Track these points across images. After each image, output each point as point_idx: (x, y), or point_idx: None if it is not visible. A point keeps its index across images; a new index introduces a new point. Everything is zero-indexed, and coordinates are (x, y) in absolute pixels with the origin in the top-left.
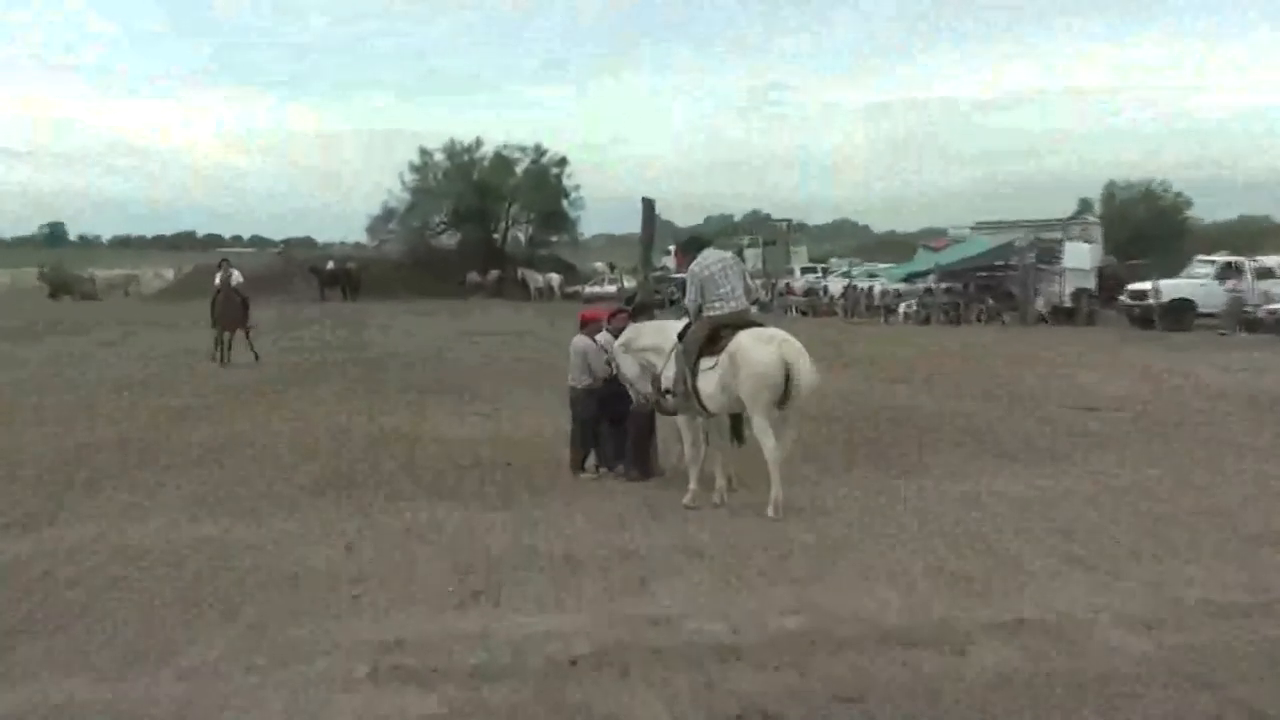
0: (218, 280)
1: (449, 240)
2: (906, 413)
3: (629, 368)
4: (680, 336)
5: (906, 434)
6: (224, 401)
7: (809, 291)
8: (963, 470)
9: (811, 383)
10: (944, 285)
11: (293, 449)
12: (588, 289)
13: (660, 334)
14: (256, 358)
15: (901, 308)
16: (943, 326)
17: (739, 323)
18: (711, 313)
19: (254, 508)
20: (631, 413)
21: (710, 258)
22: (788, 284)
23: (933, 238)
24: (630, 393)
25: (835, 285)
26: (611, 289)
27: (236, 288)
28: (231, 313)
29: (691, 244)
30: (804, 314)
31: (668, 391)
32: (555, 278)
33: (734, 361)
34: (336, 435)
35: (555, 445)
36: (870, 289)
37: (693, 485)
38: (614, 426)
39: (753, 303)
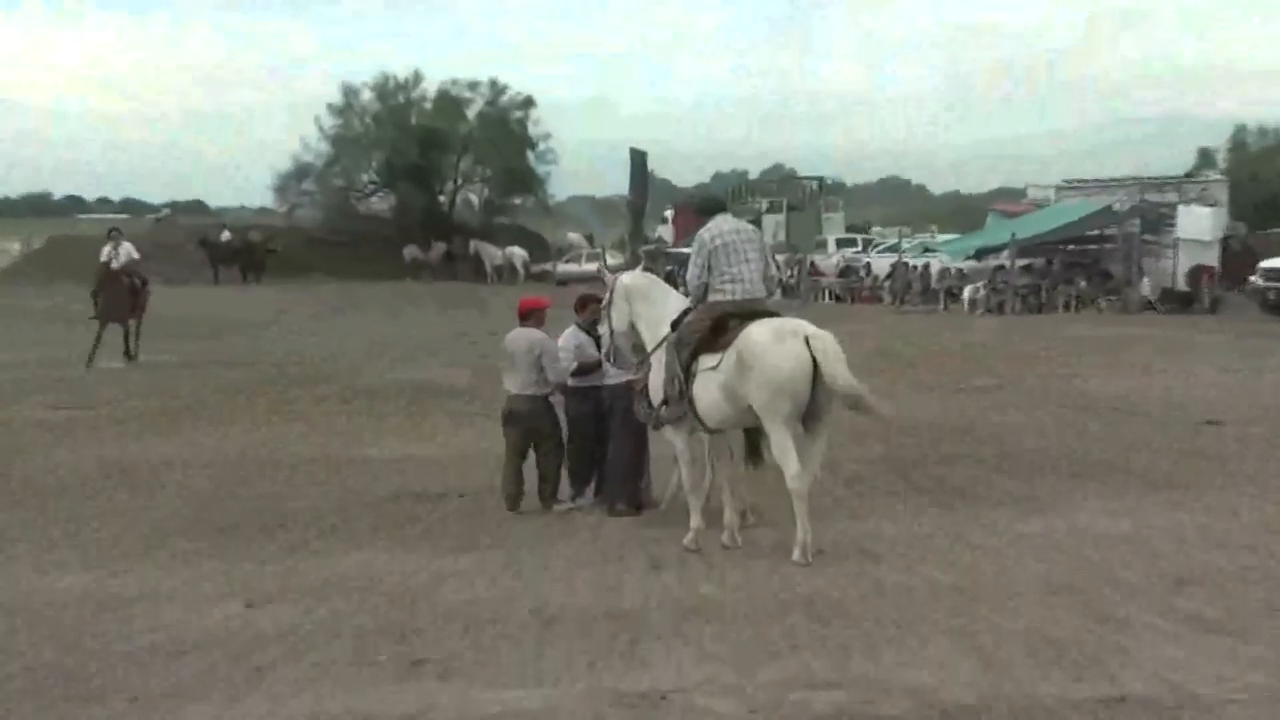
0: (104, 255)
1: (380, 205)
2: (973, 428)
3: (623, 346)
4: (674, 326)
5: (973, 455)
6: (92, 417)
7: (845, 271)
8: (1047, 502)
9: (849, 388)
10: (1022, 263)
11: (183, 478)
12: (561, 267)
13: (653, 301)
14: (132, 357)
15: (967, 292)
16: (1020, 316)
17: (750, 312)
18: (718, 296)
19: (130, 553)
20: (618, 425)
21: (724, 226)
22: (814, 261)
23: (1007, 201)
24: (610, 395)
25: (880, 263)
26: (591, 267)
27: (128, 267)
28: (118, 301)
29: (706, 205)
30: (839, 300)
31: (663, 401)
32: (518, 253)
33: (742, 361)
34: (241, 461)
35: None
36: (926, 268)
37: (695, 522)
38: (594, 444)
39: (772, 291)
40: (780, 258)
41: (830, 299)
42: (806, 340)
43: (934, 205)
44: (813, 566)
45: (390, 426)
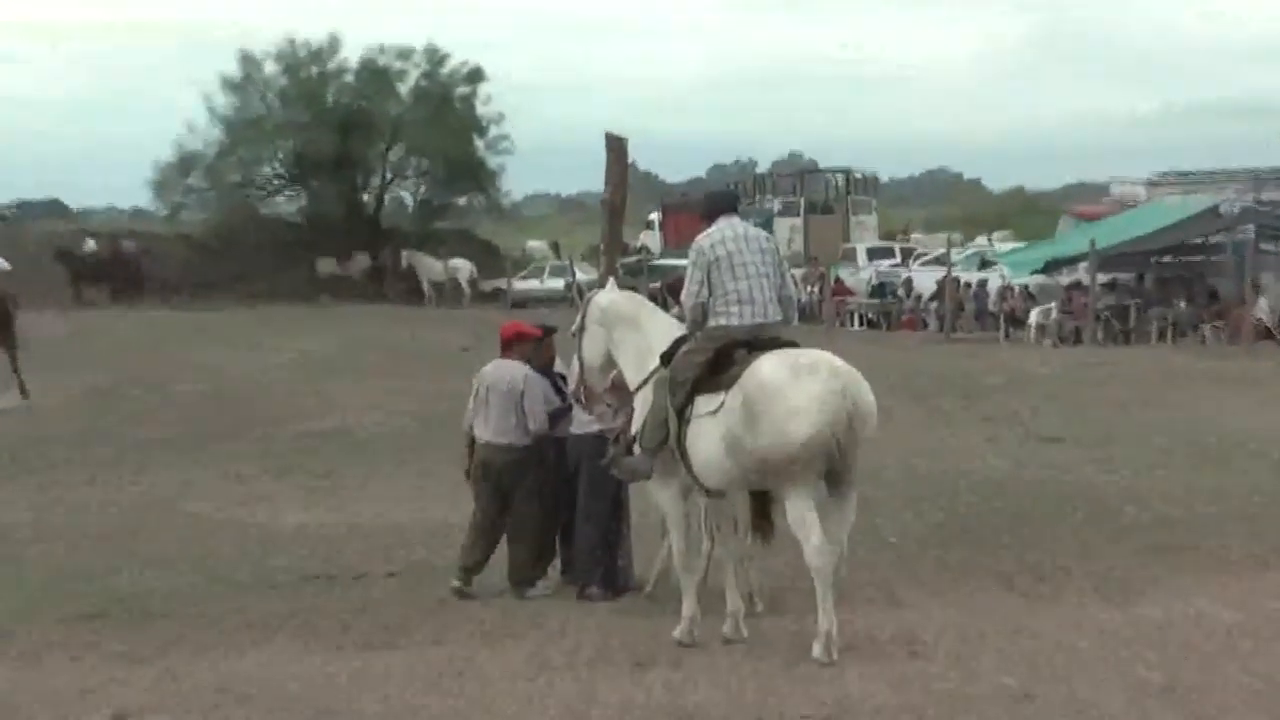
0: None
1: (288, 205)
2: (1048, 488)
3: (597, 385)
4: (664, 358)
5: (1049, 522)
6: None
7: (880, 289)
8: (1142, 584)
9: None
10: (1103, 279)
11: (44, 550)
12: (517, 284)
13: (638, 326)
14: (23, 394)
15: (1034, 316)
16: (1102, 348)
17: (761, 341)
18: (720, 321)
19: None
20: (587, 486)
21: (728, 232)
22: (839, 277)
23: (1085, 200)
24: (577, 449)
25: (924, 279)
26: (555, 284)
27: None
28: None
29: (711, 204)
30: (871, 325)
31: (631, 443)
32: (464, 267)
33: (749, 404)
34: (115, 527)
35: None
36: (982, 285)
37: (688, 610)
38: (559, 511)
39: (790, 316)
40: (797, 272)
41: (860, 324)
42: (832, 377)
43: (992, 205)
44: (839, 666)
45: (300, 487)
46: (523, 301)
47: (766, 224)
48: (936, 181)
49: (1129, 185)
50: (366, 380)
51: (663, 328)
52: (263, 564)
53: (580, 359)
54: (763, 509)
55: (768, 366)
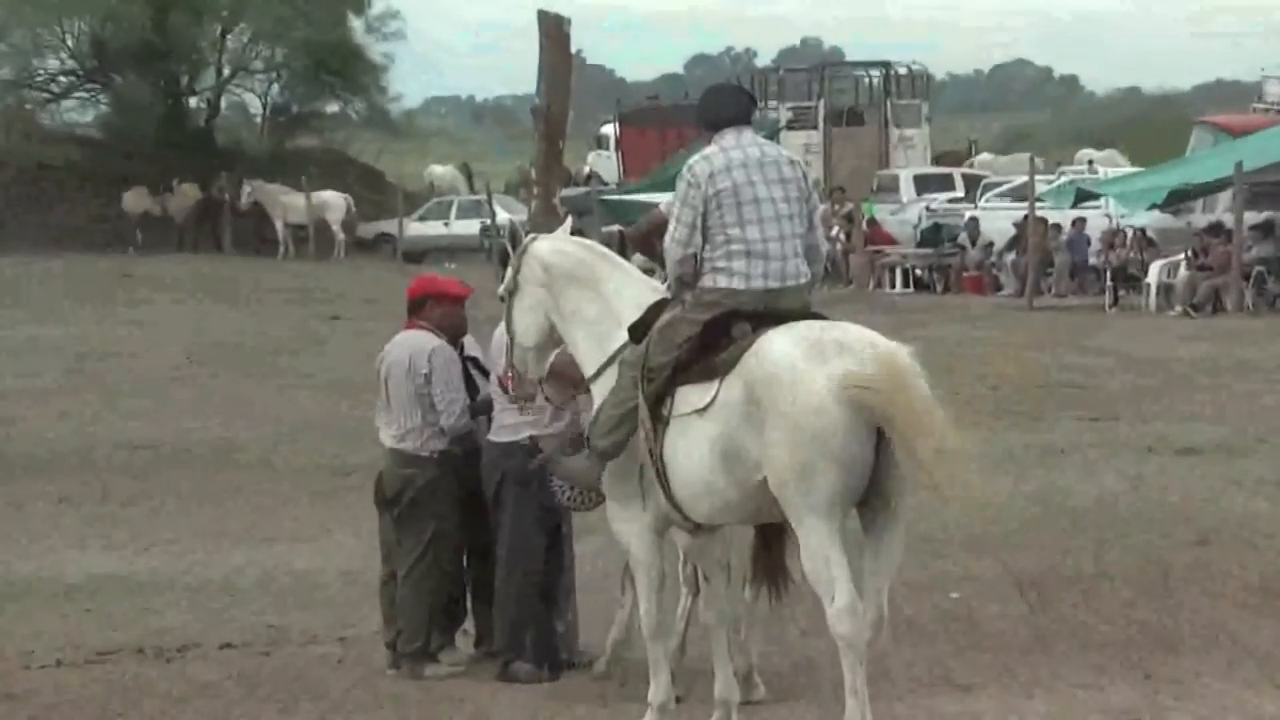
0: None
1: (82, 113)
2: (1184, 520)
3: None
4: (635, 332)
5: (1191, 569)
6: None
7: (933, 234)
8: None
9: (944, 446)
10: (1255, 219)
11: None
12: (413, 228)
13: (595, 286)
14: None
15: (1154, 272)
16: (1256, 317)
17: (774, 313)
18: (719, 281)
19: None
20: (512, 520)
21: (736, 155)
22: (874, 218)
23: (1227, 106)
24: (497, 464)
25: (996, 220)
26: (467, 228)
27: None
28: None
29: (715, 106)
30: (920, 286)
31: (595, 449)
32: (335, 203)
33: (753, 400)
34: None
35: (334, 603)
36: (1079, 227)
37: (658, 694)
38: (475, 558)
39: (817, 275)
40: (823, 208)
41: (905, 285)
42: (874, 361)
43: (1094, 114)
44: None
45: (126, 523)
46: (420, 252)
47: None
48: (1014, 80)
49: None
50: (208, 362)
51: (633, 290)
52: (74, 633)
53: (510, 333)
54: (772, 549)
55: (780, 345)
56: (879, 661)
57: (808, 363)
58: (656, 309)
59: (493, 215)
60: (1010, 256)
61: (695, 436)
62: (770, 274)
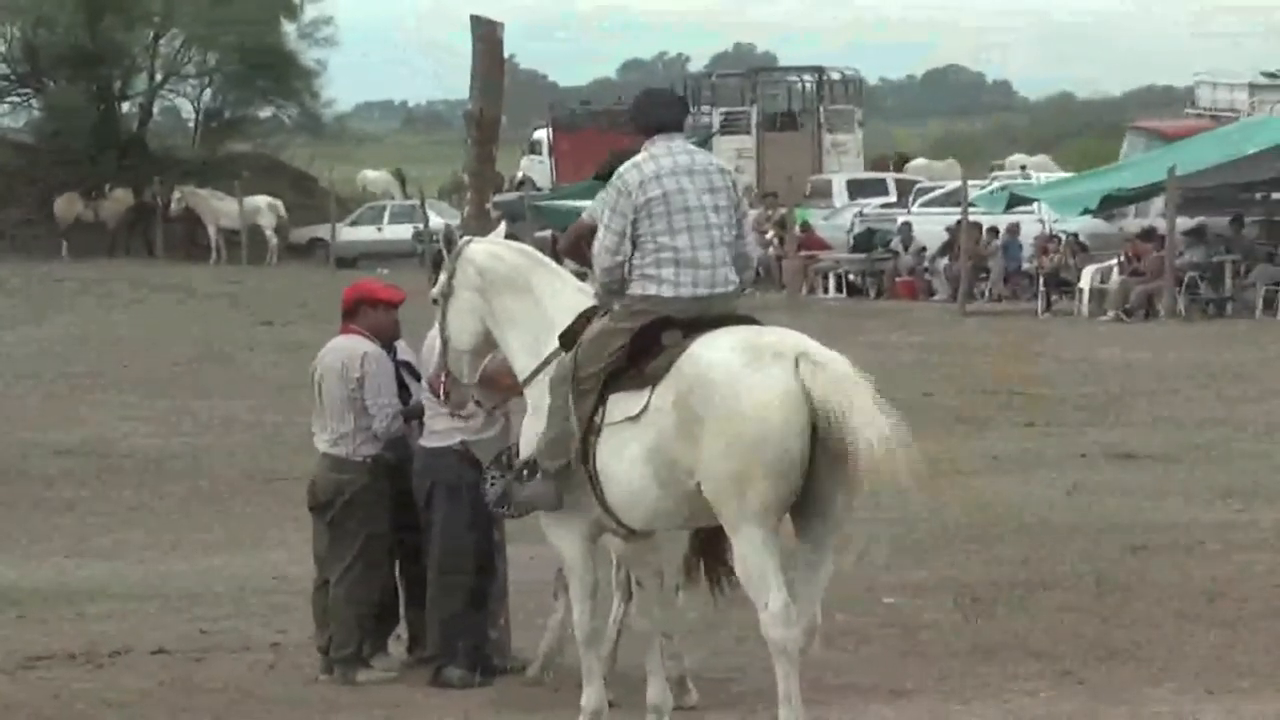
0: None
1: (13, 119)
2: (1126, 525)
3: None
4: (565, 339)
5: (1127, 575)
6: None
7: (865, 239)
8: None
9: (890, 462)
10: (1187, 224)
11: None
12: (345, 233)
13: (530, 292)
14: None
15: (1088, 277)
16: (1186, 323)
17: (704, 320)
18: (648, 289)
19: None
20: (442, 524)
21: (666, 161)
22: (807, 223)
23: (1160, 112)
24: (429, 469)
25: (929, 225)
26: (398, 233)
27: None
28: None
29: (649, 110)
30: (855, 292)
31: (525, 465)
32: (267, 208)
33: (686, 404)
34: None
35: (265, 609)
36: (1013, 233)
37: (591, 701)
38: (408, 563)
39: (746, 282)
40: (753, 214)
41: (838, 290)
42: (801, 366)
43: (1026, 119)
44: None
45: (58, 530)
46: (353, 258)
47: (702, 145)
48: (947, 85)
49: (1223, 87)
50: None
51: (567, 295)
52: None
53: (444, 337)
54: (714, 546)
55: (715, 351)
56: (813, 668)
57: (744, 368)
58: (587, 317)
59: (426, 220)
60: (943, 261)
61: (628, 444)
62: (700, 282)
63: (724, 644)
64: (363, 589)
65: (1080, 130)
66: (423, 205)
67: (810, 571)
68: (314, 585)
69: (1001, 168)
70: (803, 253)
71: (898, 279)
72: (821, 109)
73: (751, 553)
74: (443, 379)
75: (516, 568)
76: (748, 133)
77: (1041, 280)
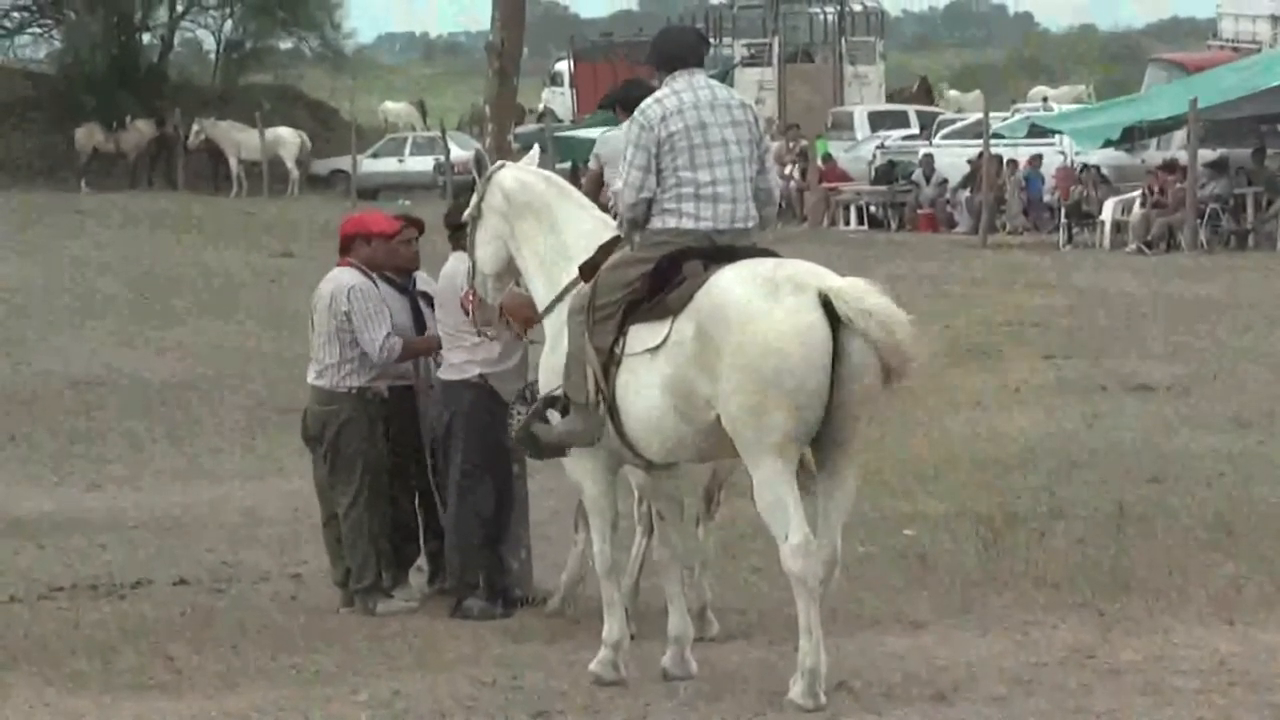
0: None
1: (34, 50)
2: (1143, 456)
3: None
4: (585, 270)
5: (1143, 507)
6: None
7: (887, 172)
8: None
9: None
10: (1208, 155)
11: None
12: (367, 164)
13: (552, 221)
14: None
15: (1109, 209)
16: (1208, 255)
17: (725, 251)
18: (670, 222)
19: None
20: (461, 456)
21: (688, 96)
22: (829, 155)
23: (1182, 43)
24: (448, 402)
25: (951, 158)
26: (421, 164)
27: None
28: None
29: (668, 48)
30: (875, 224)
31: (551, 401)
32: (289, 140)
33: (706, 336)
34: None
35: (285, 540)
36: (1034, 164)
37: (612, 634)
38: (425, 498)
39: (769, 218)
40: (774, 145)
41: (859, 222)
42: (824, 298)
43: (1049, 50)
44: (829, 714)
45: (76, 461)
46: (373, 189)
47: (722, 78)
48: (969, 17)
49: (1245, 19)
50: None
51: (586, 226)
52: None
53: (472, 258)
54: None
55: (734, 282)
56: (831, 599)
57: (764, 300)
58: (607, 249)
59: (447, 152)
60: (964, 194)
61: (647, 376)
62: (720, 216)
63: (744, 576)
64: (372, 518)
65: (1103, 62)
66: (444, 137)
67: (829, 502)
68: (322, 521)
69: (1023, 99)
70: (824, 185)
71: (919, 211)
72: (843, 41)
73: (770, 485)
74: (472, 298)
75: (538, 499)
76: (769, 65)
77: (1063, 212)
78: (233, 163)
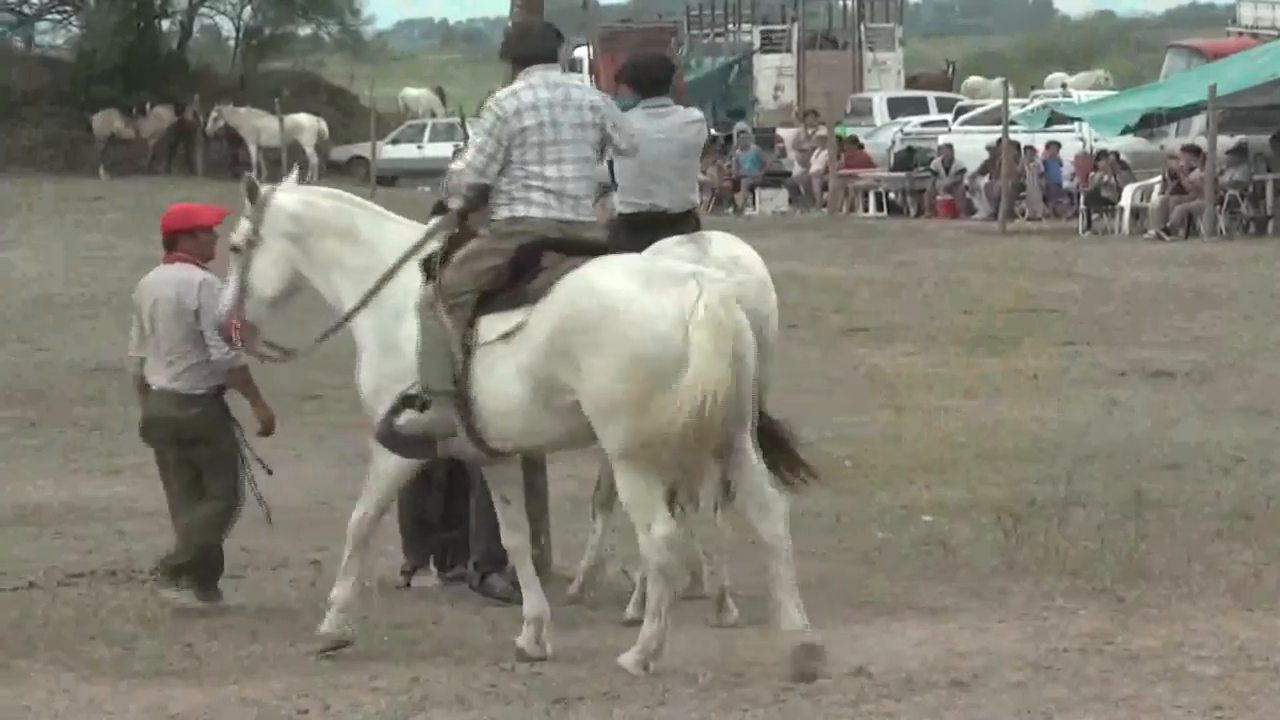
0: None
1: (53, 36)
2: (1161, 443)
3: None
4: (428, 267)
5: (1162, 493)
6: None
7: (906, 158)
8: None
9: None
10: (1228, 142)
11: None
12: (386, 150)
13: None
14: None
15: (1128, 196)
16: (1227, 242)
17: (579, 245)
18: (516, 212)
19: None
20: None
21: (543, 93)
22: (851, 140)
23: (1202, 30)
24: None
25: (970, 144)
26: (440, 150)
27: None
28: None
29: (521, 43)
30: (895, 210)
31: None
32: (308, 126)
33: (578, 328)
34: None
35: (303, 527)
36: (1053, 151)
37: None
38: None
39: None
40: (787, 134)
41: (878, 208)
42: (695, 287)
43: (1068, 36)
44: (850, 698)
45: (93, 448)
46: (392, 175)
47: (741, 62)
48: (987, 3)
49: (1265, 7)
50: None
51: (394, 233)
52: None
53: (242, 284)
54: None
55: (611, 276)
56: (849, 586)
57: (646, 293)
58: (455, 241)
59: (466, 139)
60: (983, 180)
61: (502, 363)
62: (564, 210)
63: (762, 562)
64: (219, 507)
65: (1125, 52)
66: (463, 123)
67: (741, 472)
68: (171, 512)
69: (1041, 85)
70: (844, 171)
71: (937, 198)
72: (862, 27)
73: (637, 477)
74: (236, 325)
75: (555, 484)
76: (788, 50)
77: (1082, 199)
78: (252, 149)
